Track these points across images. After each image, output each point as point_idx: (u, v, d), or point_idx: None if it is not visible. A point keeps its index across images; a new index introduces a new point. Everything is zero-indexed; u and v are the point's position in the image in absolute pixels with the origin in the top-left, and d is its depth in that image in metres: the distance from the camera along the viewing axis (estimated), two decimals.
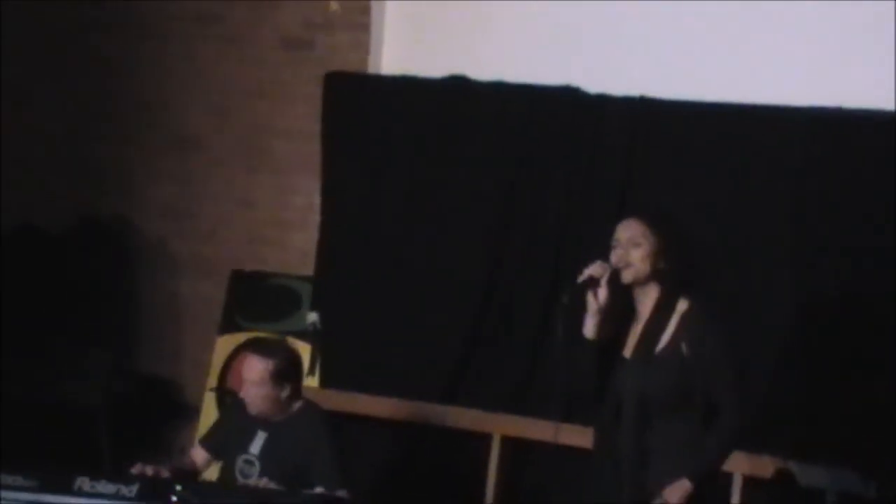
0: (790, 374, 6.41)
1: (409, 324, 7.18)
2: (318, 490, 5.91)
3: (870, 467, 6.14)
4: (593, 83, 6.96)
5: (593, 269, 5.11)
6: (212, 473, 6.38)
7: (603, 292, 5.09)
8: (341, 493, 5.89)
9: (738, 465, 6.10)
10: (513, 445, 6.89)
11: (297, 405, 6.13)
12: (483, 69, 7.21)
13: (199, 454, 6.22)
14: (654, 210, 5.28)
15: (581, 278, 5.12)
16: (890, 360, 6.20)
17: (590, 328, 5.14)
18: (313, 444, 6.01)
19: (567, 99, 6.98)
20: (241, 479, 6.03)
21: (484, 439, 6.91)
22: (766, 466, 6.26)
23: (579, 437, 6.57)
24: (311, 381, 7.19)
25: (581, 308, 5.13)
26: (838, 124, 6.45)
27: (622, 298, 5.14)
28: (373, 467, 6.99)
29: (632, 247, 5.09)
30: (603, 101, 6.93)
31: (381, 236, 7.31)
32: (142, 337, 8.12)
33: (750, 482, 6.27)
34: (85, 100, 8.28)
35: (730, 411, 4.99)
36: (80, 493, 5.78)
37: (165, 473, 5.95)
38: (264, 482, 5.86)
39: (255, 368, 6.05)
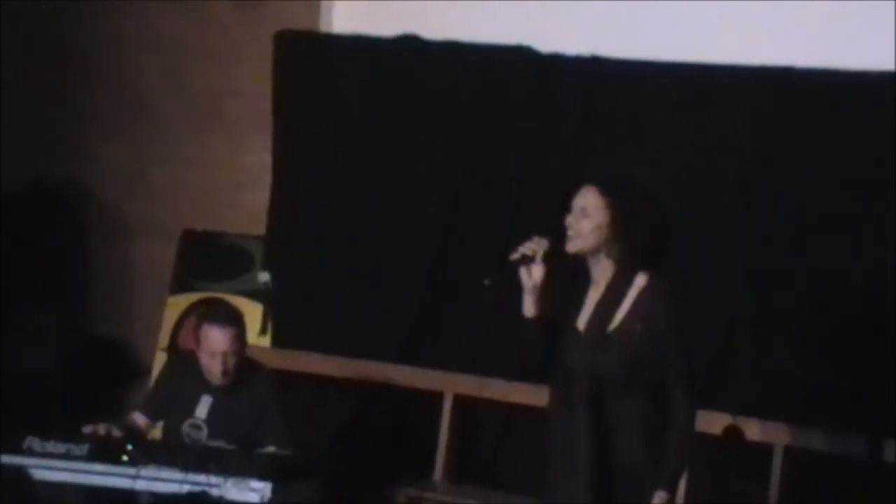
0: (741, 334, 6.44)
1: (362, 283, 7.18)
2: (269, 450, 5.94)
3: (820, 422, 6.20)
4: (546, 42, 6.95)
5: (525, 248, 4.95)
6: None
7: (538, 270, 4.93)
8: (289, 453, 5.91)
9: None
10: (465, 404, 6.91)
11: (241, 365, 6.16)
12: (435, 28, 7.18)
13: (139, 419, 6.22)
14: (614, 179, 4.95)
15: (514, 256, 4.97)
16: (844, 322, 6.24)
17: (528, 306, 4.95)
18: (261, 405, 6.03)
19: (520, 58, 6.97)
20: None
21: (436, 398, 6.93)
22: (714, 423, 6.29)
23: (531, 395, 6.64)
24: (263, 341, 7.19)
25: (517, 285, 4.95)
26: (789, 83, 6.46)
27: (575, 267, 4.94)
28: (325, 427, 7.01)
29: (582, 217, 4.89)
30: (556, 60, 6.92)
31: (333, 196, 7.29)
32: (93, 298, 8.10)
33: (699, 438, 6.29)
34: (34, 63, 8.21)
35: (681, 405, 4.79)
36: (30, 453, 5.79)
37: (117, 433, 5.94)
38: (217, 443, 5.88)
39: (226, 339, 6.05)
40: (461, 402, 6.91)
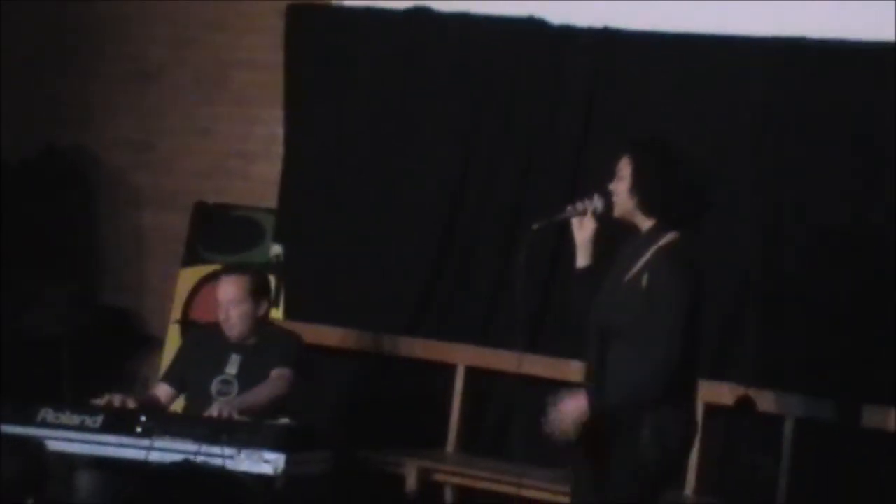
0: (753, 305, 6.45)
1: (374, 255, 7.19)
2: (275, 372, 6.01)
3: (830, 393, 6.21)
4: (557, 14, 6.93)
5: (581, 204, 5.24)
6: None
7: (589, 224, 5.22)
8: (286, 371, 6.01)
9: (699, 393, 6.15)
10: (476, 376, 6.92)
11: (270, 329, 6.19)
12: (447, 0, 7.17)
13: (162, 390, 6.27)
14: (644, 142, 5.23)
15: (563, 215, 5.28)
16: (851, 288, 6.24)
17: (580, 258, 5.26)
18: (278, 354, 6.06)
19: (531, 30, 6.96)
20: (217, 399, 6.06)
21: (448, 370, 6.94)
22: (725, 394, 6.30)
23: (542, 367, 6.66)
24: (276, 313, 7.20)
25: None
26: (800, 54, 6.45)
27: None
28: (337, 399, 7.02)
29: (618, 180, 5.15)
30: (567, 31, 6.90)
31: (344, 168, 7.29)
32: (104, 269, 8.10)
33: (710, 409, 6.31)
34: (43, 32, 8.20)
35: (662, 350, 4.93)
36: (44, 425, 5.82)
37: (132, 404, 5.97)
38: (239, 401, 5.89)
39: (232, 288, 6.13)
40: (473, 373, 6.92)
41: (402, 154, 7.19)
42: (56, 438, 5.73)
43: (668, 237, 5.07)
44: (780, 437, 6.28)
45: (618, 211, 5.18)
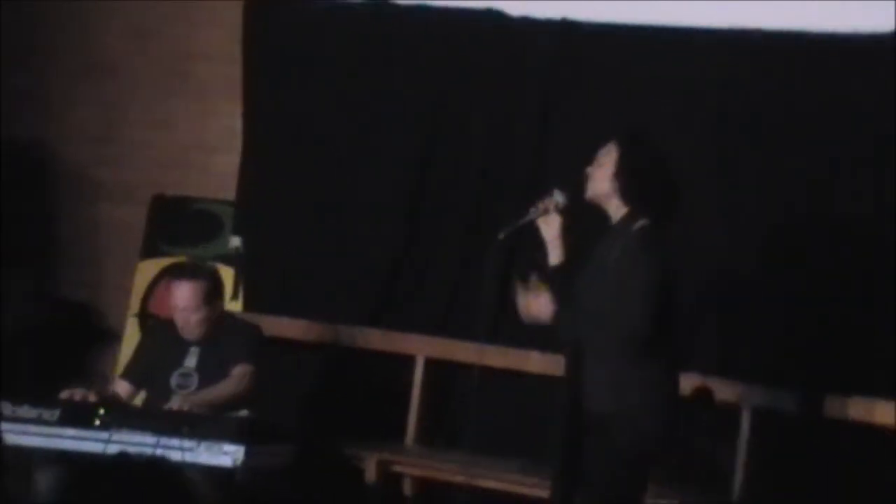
0: (711, 295, 6.48)
1: (332, 247, 7.18)
2: (236, 370, 6.01)
3: (790, 383, 6.24)
4: (516, 6, 6.94)
5: (542, 204, 5.31)
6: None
7: (554, 221, 5.30)
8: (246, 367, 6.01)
9: None
10: (436, 367, 6.93)
11: (229, 322, 6.18)
12: None
13: (121, 387, 6.25)
14: (630, 134, 5.38)
15: (527, 218, 5.33)
16: (814, 277, 6.28)
17: (552, 257, 5.33)
18: (238, 345, 6.08)
19: (490, 22, 6.96)
20: (176, 392, 6.05)
21: (408, 361, 6.95)
22: (684, 384, 6.31)
23: (503, 358, 6.67)
24: (235, 305, 7.19)
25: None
26: (758, 45, 6.48)
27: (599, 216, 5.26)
28: (297, 391, 7.02)
29: (598, 166, 5.27)
30: (526, 23, 6.91)
31: (303, 160, 7.28)
32: (62, 262, 8.07)
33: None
34: (0, 25, 8.15)
35: (628, 311, 5.03)
36: (1, 418, 5.76)
37: (93, 398, 5.94)
38: (200, 395, 5.89)
39: (187, 294, 6.09)
40: (432, 365, 6.93)
41: (361, 146, 7.18)
42: (13, 432, 5.70)
43: (640, 223, 5.18)
44: (738, 427, 6.31)
45: (590, 193, 5.28)
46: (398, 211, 7.10)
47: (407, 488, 6.66)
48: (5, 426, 5.68)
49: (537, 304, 5.25)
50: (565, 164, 6.76)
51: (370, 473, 6.59)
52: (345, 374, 7.12)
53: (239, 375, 6.06)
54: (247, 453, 5.58)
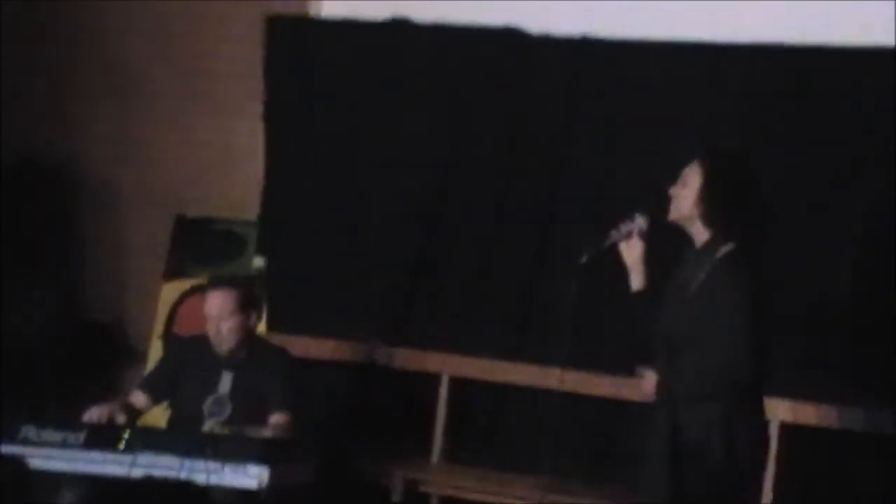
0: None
1: (356, 266, 7.18)
2: (274, 418, 5.98)
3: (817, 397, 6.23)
4: (535, 23, 6.94)
5: (625, 227, 5.23)
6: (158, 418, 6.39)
7: (636, 245, 5.20)
8: (283, 416, 5.96)
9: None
10: (461, 385, 6.92)
11: (259, 344, 6.17)
12: (425, 11, 7.17)
13: (138, 398, 6.22)
14: (716, 153, 5.23)
15: (609, 241, 5.24)
16: (837, 299, 6.25)
17: (634, 281, 5.23)
18: (272, 375, 6.05)
19: (509, 40, 6.96)
20: (209, 420, 6.05)
21: (432, 379, 6.94)
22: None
23: (527, 375, 6.67)
24: (259, 326, 7.19)
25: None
26: (778, 59, 6.46)
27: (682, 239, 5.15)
28: (322, 410, 7.01)
29: (682, 186, 5.11)
30: (545, 40, 6.91)
31: (325, 179, 7.28)
32: (85, 282, 8.08)
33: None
34: (23, 40, 8.18)
35: (727, 348, 4.91)
36: (26, 443, 5.77)
37: (121, 418, 5.95)
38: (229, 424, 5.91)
39: (222, 301, 6.08)
40: (458, 383, 6.91)
41: (382, 163, 7.19)
42: (38, 456, 5.70)
43: (726, 248, 5.04)
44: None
45: (673, 215, 5.14)
46: (420, 228, 7.10)
47: None
48: (30, 451, 5.69)
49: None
50: (586, 180, 6.78)
51: (396, 492, 6.59)
52: (369, 393, 7.11)
53: (278, 427, 6.02)
54: (271, 474, 5.57)
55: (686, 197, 5.08)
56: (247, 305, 6.13)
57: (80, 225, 8.12)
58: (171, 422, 6.25)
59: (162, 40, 7.96)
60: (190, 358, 6.24)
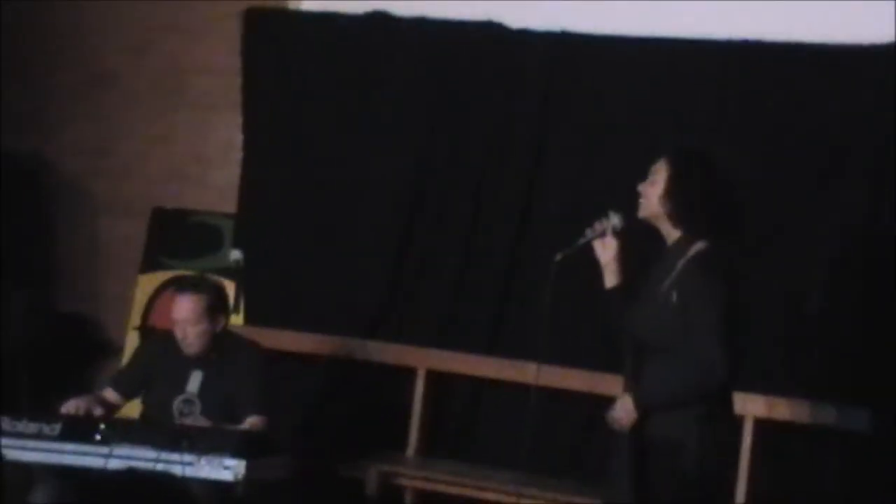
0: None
1: (333, 259, 7.18)
2: (249, 420, 5.94)
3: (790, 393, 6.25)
4: (515, 18, 6.94)
5: (599, 225, 5.18)
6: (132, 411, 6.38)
7: (610, 244, 5.16)
8: (259, 419, 5.92)
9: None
10: (437, 379, 6.93)
11: (229, 341, 6.15)
12: (404, 4, 7.17)
13: (108, 394, 6.20)
14: (683, 149, 5.16)
15: (583, 240, 5.20)
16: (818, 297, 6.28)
17: (608, 279, 5.20)
18: (242, 375, 6.03)
19: (488, 34, 6.97)
20: (178, 418, 6.03)
21: (409, 373, 6.95)
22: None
23: (502, 369, 6.68)
24: (236, 319, 7.18)
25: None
26: (755, 56, 6.48)
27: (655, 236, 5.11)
28: (299, 403, 7.01)
29: (650, 184, 5.07)
30: (524, 35, 6.92)
31: (303, 172, 7.28)
32: (61, 276, 8.06)
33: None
34: None
35: (705, 351, 4.86)
36: (1, 434, 5.75)
37: (98, 410, 5.93)
38: (202, 421, 5.88)
39: (188, 306, 6.05)
40: (433, 376, 6.92)
41: (360, 158, 7.19)
42: (14, 447, 5.69)
43: (697, 247, 5.00)
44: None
45: (643, 212, 5.10)
46: (397, 222, 7.11)
47: (408, 500, 6.65)
48: (5, 442, 5.67)
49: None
50: (563, 177, 6.79)
51: (371, 486, 6.59)
52: (345, 387, 7.12)
53: (253, 429, 5.96)
54: (248, 467, 5.56)
55: (653, 194, 5.05)
56: (214, 310, 6.08)
57: (57, 218, 8.10)
58: (143, 418, 6.22)
59: (139, 37, 7.93)
60: (161, 355, 6.22)
